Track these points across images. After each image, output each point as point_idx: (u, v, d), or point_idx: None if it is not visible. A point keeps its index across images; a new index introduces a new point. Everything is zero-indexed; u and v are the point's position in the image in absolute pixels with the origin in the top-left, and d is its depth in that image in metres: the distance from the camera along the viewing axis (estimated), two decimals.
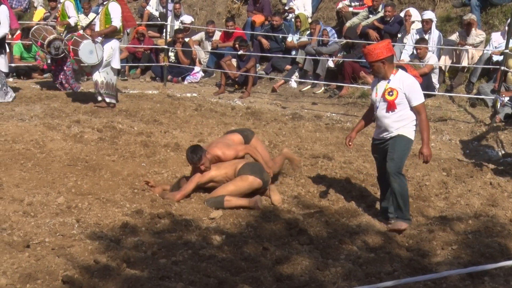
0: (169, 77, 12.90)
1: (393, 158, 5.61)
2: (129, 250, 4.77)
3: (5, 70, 10.20)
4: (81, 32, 10.06)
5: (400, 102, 5.58)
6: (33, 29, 10.88)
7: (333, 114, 10.59)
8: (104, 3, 9.76)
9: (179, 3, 14.68)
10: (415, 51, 10.62)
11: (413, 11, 11.54)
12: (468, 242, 5.43)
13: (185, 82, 13.06)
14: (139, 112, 9.89)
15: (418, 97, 5.58)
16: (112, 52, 9.77)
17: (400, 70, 5.66)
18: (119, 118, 9.26)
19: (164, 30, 13.18)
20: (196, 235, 5.28)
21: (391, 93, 5.58)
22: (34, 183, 6.28)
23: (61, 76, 11.15)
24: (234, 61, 12.49)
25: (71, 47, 9.66)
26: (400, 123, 5.63)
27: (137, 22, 14.77)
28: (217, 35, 13.62)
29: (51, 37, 10.52)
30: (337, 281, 4.53)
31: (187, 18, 14.08)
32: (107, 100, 9.87)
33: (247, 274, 4.55)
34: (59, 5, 11.41)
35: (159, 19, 14.62)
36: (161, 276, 4.38)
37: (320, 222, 5.73)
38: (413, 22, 11.32)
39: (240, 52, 12.15)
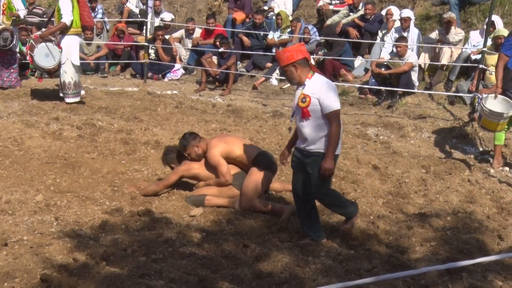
0: (149, 74, 12.83)
1: (316, 184, 5.16)
2: (109, 248, 4.74)
3: None
4: (38, 33, 9.83)
5: (314, 109, 5.01)
6: None
7: None
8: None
9: (160, 0, 14.59)
10: (394, 49, 10.69)
11: (394, 10, 11.61)
12: (446, 238, 5.48)
13: (166, 80, 13.00)
14: (119, 109, 9.83)
15: (329, 103, 4.96)
16: (69, 49, 9.50)
17: (316, 74, 5.13)
18: (98, 115, 9.19)
19: (144, 27, 13.11)
20: (176, 232, 5.27)
21: (304, 100, 5.04)
22: (12, 180, 6.22)
23: (5, 70, 10.84)
24: (214, 59, 12.45)
25: (29, 52, 9.53)
26: (318, 134, 5.05)
27: (117, 19, 14.74)
28: (198, 33, 13.58)
29: (0, 27, 10.28)
30: (317, 278, 4.55)
31: (167, 15, 14.01)
32: (69, 100, 9.67)
33: (227, 271, 4.55)
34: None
35: (139, 16, 14.55)
36: (141, 274, 4.36)
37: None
38: (394, 20, 11.39)
39: (221, 49, 12.13)
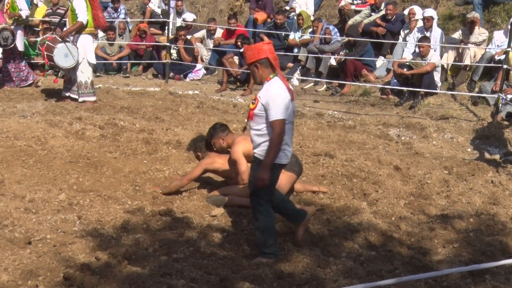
0: (171, 74, 12.89)
1: (253, 191, 4.91)
2: (131, 247, 4.78)
3: None
4: (52, 35, 9.88)
5: (258, 113, 4.76)
6: None
7: (335, 112, 10.58)
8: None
9: (181, 1, 14.66)
10: (417, 49, 10.61)
11: (416, 9, 11.52)
12: (469, 240, 5.42)
13: (187, 80, 13.05)
14: (141, 109, 9.89)
15: (274, 112, 4.62)
16: (85, 48, 9.59)
17: (275, 78, 4.79)
18: (121, 115, 9.26)
19: (166, 27, 13.17)
20: (198, 232, 5.29)
21: (253, 102, 4.83)
22: (35, 179, 6.29)
23: (11, 69, 10.91)
24: (236, 59, 12.48)
25: (45, 53, 9.59)
26: (260, 139, 4.80)
27: (139, 19, 14.84)
28: (219, 33, 13.61)
29: (0, 26, 10.31)
30: (338, 279, 4.54)
31: (189, 16, 14.07)
32: (87, 99, 9.77)
33: (248, 271, 4.55)
34: None
35: (161, 16, 14.63)
36: (163, 273, 4.39)
37: (321, 220, 5.72)
38: (416, 20, 11.30)
39: (242, 49, 12.12)
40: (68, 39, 9.46)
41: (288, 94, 4.73)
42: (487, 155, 8.03)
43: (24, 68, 11.14)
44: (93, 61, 9.83)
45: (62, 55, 9.42)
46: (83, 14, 9.39)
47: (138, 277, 4.27)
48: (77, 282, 4.14)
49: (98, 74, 13.07)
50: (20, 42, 10.94)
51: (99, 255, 4.57)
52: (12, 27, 10.56)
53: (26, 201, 5.68)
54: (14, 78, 11.01)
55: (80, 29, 9.48)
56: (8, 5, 10.77)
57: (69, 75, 9.81)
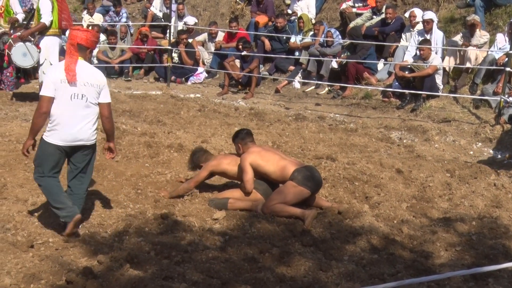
0: (173, 77, 12.91)
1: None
2: (132, 250, 4.78)
3: None
4: (18, 33, 9.88)
5: None
6: None
7: (337, 115, 10.58)
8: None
9: (183, 4, 14.69)
10: (418, 52, 10.61)
11: (417, 12, 11.52)
12: (471, 243, 5.42)
13: (189, 83, 13.06)
14: (142, 112, 9.89)
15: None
16: (48, 49, 9.45)
17: (66, 60, 5.02)
18: (122, 119, 9.27)
19: (168, 31, 13.20)
20: (199, 235, 5.29)
21: None
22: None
23: (7, 74, 10.67)
24: (237, 62, 12.49)
25: (6, 51, 9.59)
26: None
27: (141, 23, 14.86)
28: (221, 36, 13.62)
29: None
30: (340, 282, 4.54)
31: (190, 19, 14.09)
32: None
33: (250, 275, 4.55)
34: (0, 1, 11.15)
35: (162, 20, 14.64)
36: (165, 277, 4.39)
37: (323, 223, 5.72)
38: (417, 23, 11.31)
39: (244, 52, 12.15)
40: (30, 39, 9.41)
41: (59, 74, 4.92)
42: (489, 158, 8.03)
43: (9, 74, 11.06)
44: (56, 63, 9.65)
45: (20, 54, 9.40)
46: (47, 15, 9.30)
47: (140, 280, 4.27)
48: (79, 285, 4.15)
49: None
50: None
51: (101, 259, 4.57)
52: (10, 31, 10.56)
53: (29, 204, 5.69)
54: (8, 83, 10.97)
55: (43, 30, 9.36)
56: (3, 9, 10.75)
57: (41, 81, 9.73)
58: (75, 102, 4.96)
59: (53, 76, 4.95)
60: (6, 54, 9.62)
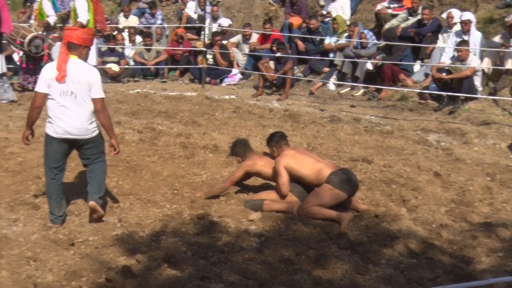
0: (207, 79, 12.97)
1: None
2: (170, 250, 4.80)
3: (3, 70, 10.12)
4: (56, 34, 10.01)
5: None
6: None
7: (372, 117, 10.49)
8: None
9: (217, 6, 14.75)
10: (455, 54, 10.45)
11: (454, 12, 11.34)
12: None
13: (223, 84, 13.11)
14: (178, 113, 9.97)
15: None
16: None
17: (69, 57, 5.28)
18: (158, 120, 9.36)
19: (202, 33, 13.26)
20: (235, 236, 5.29)
21: None
22: (77, 182, 6.39)
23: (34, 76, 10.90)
24: (272, 63, 12.49)
25: (46, 51, 9.70)
26: None
27: (176, 25, 14.96)
28: (255, 38, 13.63)
29: (32, 35, 10.47)
30: (378, 286, 4.48)
31: (224, 21, 14.14)
32: None
33: (286, 277, 4.53)
34: (34, 4, 11.29)
35: (197, 21, 14.72)
36: (201, 277, 4.40)
37: (359, 226, 5.66)
38: (455, 23, 11.14)
39: (278, 54, 12.14)
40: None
41: (51, 72, 5.19)
42: None
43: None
44: (93, 63, 9.78)
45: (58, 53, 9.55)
46: (84, 14, 9.50)
47: (178, 280, 4.29)
48: (118, 284, 4.19)
49: (136, 79, 13.24)
50: (55, 52, 11.10)
51: (139, 258, 4.60)
52: (43, 34, 10.76)
53: (69, 203, 5.78)
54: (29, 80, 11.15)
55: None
56: (36, 12, 10.98)
57: None
58: (65, 98, 5.20)
59: (45, 74, 5.25)
60: (46, 53, 9.78)
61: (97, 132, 5.41)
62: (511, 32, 10.25)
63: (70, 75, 5.17)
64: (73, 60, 5.25)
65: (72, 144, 5.34)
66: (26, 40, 10.42)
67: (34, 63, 10.97)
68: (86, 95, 5.23)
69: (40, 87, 5.24)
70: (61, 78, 5.15)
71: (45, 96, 5.22)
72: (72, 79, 5.18)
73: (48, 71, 5.24)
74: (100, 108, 5.31)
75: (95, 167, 5.49)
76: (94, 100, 5.28)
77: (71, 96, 5.19)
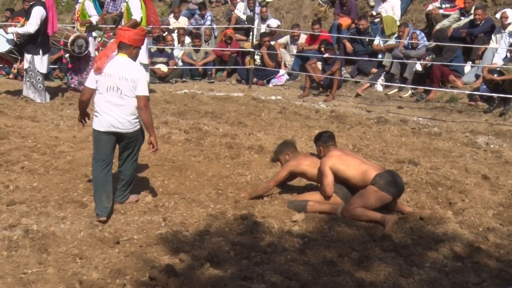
0: (255, 79, 13.04)
1: None
2: (213, 250, 4.87)
3: (44, 71, 10.40)
4: (110, 33, 10.19)
5: None
6: None
7: (420, 119, 10.34)
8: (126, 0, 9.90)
9: (266, 7, 14.80)
10: (508, 54, 10.19)
11: (509, 12, 11.06)
12: None
13: (270, 85, 13.15)
14: (224, 114, 10.06)
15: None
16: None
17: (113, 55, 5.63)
18: (205, 120, 9.47)
19: (251, 33, 13.34)
20: (278, 237, 5.31)
21: None
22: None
23: (84, 75, 11.13)
24: (319, 64, 12.45)
25: (101, 49, 9.87)
26: None
27: (225, 26, 15.10)
28: (303, 38, 13.62)
29: (74, 35, 10.70)
30: None
31: (273, 22, 14.18)
32: None
33: (329, 278, 4.53)
34: (77, 5, 11.52)
35: (246, 22, 14.81)
36: (244, 277, 4.44)
37: (404, 229, 5.61)
38: (509, 24, 10.86)
39: (326, 55, 12.10)
40: None
41: (100, 67, 5.49)
42: None
43: (85, 76, 11.49)
44: (146, 61, 10.02)
45: None
46: (138, 12, 9.73)
47: (220, 280, 4.34)
48: (161, 282, 4.27)
49: (184, 79, 13.42)
50: (92, 49, 11.39)
51: (183, 257, 4.68)
52: (85, 34, 11.02)
53: (115, 202, 5.92)
54: (75, 81, 11.42)
55: (134, 26, 9.50)
56: (79, 13, 11.25)
57: None
58: (111, 93, 5.50)
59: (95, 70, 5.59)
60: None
61: (138, 128, 5.72)
62: None
63: (118, 72, 5.48)
64: (122, 58, 5.57)
65: (116, 137, 5.63)
66: (69, 40, 10.68)
67: (78, 63, 11.27)
68: (130, 92, 5.51)
69: (88, 83, 5.60)
70: (96, 69, 5.49)
71: (92, 91, 5.59)
72: (119, 76, 5.47)
73: (99, 66, 5.55)
74: (143, 106, 5.56)
75: (126, 169, 5.83)
76: (138, 98, 5.54)
77: (117, 92, 5.49)
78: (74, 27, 11.51)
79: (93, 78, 5.55)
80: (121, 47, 5.57)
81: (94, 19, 11.21)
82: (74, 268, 4.54)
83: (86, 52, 11.00)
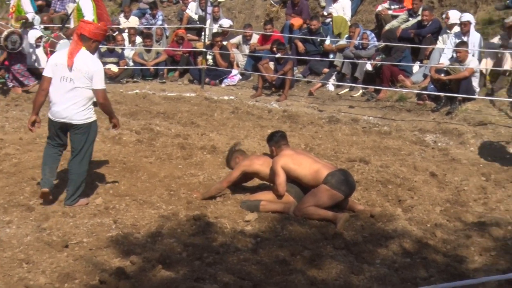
0: (207, 80, 12.98)
1: None
2: (165, 251, 4.83)
3: None
4: (57, 32, 10.05)
5: None
6: None
7: (371, 118, 10.51)
8: (76, 0, 9.81)
9: (218, 7, 14.78)
10: (454, 55, 10.46)
11: (453, 13, 11.35)
12: (507, 248, 5.30)
13: (223, 85, 13.13)
14: (176, 114, 9.99)
15: None
16: None
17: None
18: (157, 120, 9.39)
19: (203, 33, 13.28)
20: (231, 237, 5.31)
21: None
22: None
23: (17, 71, 11.00)
24: (271, 64, 12.50)
25: (48, 49, 9.73)
26: None
27: (177, 26, 15.00)
28: (255, 38, 13.65)
29: (8, 31, 10.42)
30: (372, 286, 4.51)
31: (225, 22, 14.15)
32: None
33: (281, 277, 4.55)
34: (12, 1, 11.28)
35: (198, 22, 14.75)
36: (196, 278, 4.42)
37: (355, 226, 5.69)
38: (453, 24, 11.15)
39: (278, 55, 12.15)
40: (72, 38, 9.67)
41: (57, 59, 5.68)
42: None
43: (20, 71, 11.29)
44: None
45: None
46: (90, 14, 9.56)
47: (172, 281, 4.31)
48: (112, 285, 4.21)
49: (135, 79, 13.27)
50: (27, 45, 11.15)
51: (134, 259, 4.63)
52: (20, 30, 10.77)
53: (64, 205, 5.80)
54: (21, 78, 11.19)
55: None
56: (14, 8, 10.99)
57: None
58: (64, 84, 5.62)
59: (51, 60, 5.76)
60: (49, 51, 9.82)
61: (89, 121, 5.76)
62: (510, 33, 10.25)
63: (74, 64, 5.59)
64: (82, 51, 5.67)
65: (67, 127, 5.74)
66: (3, 35, 10.35)
67: (10, 59, 11.00)
68: (83, 83, 5.61)
69: (45, 71, 5.72)
70: (70, 64, 5.57)
71: (50, 80, 5.69)
72: (74, 67, 5.58)
73: (55, 57, 5.73)
74: (101, 99, 5.72)
75: (73, 166, 5.82)
76: (95, 91, 5.65)
77: (70, 83, 5.60)
78: (8, 23, 11.20)
79: (49, 67, 5.68)
80: (81, 39, 5.66)
81: (31, 16, 10.97)
82: (20, 273, 4.43)
83: (20, 49, 10.71)
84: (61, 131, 5.80)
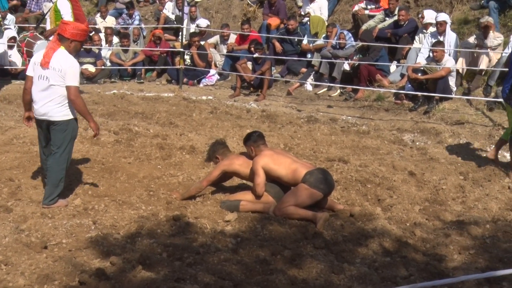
0: (185, 80, 12.93)
1: None
2: (145, 252, 4.79)
3: None
4: (33, 32, 9.97)
5: None
6: None
7: (349, 117, 10.56)
8: (53, 0, 9.75)
9: (195, 7, 14.73)
10: (431, 54, 10.56)
11: (428, 13, 11.46)
12: (485, 247, 5.37)
13: (201, 85, 13.08)
14: (155, 114, 9.94)
15: None
16: None
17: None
18: (135, 121, 9.32)
19: (180, 33, 13.23)
20: (211, 237, 5.29)
21: None
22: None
23: None
24: (249, 64, 12.49)
25: (24, 48, 9.64)
26: None
27: (154, 26, 14.92)
28: (233, 38, 13.63)
29: None
30: (352, 285, 4.52)
31: (203, 22, 14.12)
32: None
33: (262, 277, 4.55)
34: None
35: (175, 22, 14.69)
36: (177, 278, 4.40)
37: (335, 226, 5.71)
38: (429, 24, 11.26)
39: (256, 55, 12.15)
40: (50, 39, 9.59)
41: (36, 58, 5.82)
42: (503, 161, 7.96)
43: None
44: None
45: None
46: (68, 15, 9.51)
47: (152, 282, 4.28)
48: (92, 286, 4.17)
49: (112, 80, 13.17)
50: None
51: (114, 260, 4.58)
52: None
53: (42, 204, 5.74)
54: None
55: None
56: None
57: None
58: (41, 82, 5.73)
59: (32, 59, 5.93)
60: (24, 51, 9.70)
61: (67, 118, 5.78)
62: (485, 33, 10.38)
63: (50, 63, 5.68)
64: (60, 51, 5.73)
65: (46, 125, 5.82)
66: None
67: None
68: (58, 81, 5.68)
69: (28, 71, 5.89)
70: (44, 64, 5.66)
71: (32, 79, 5.82)
72: (50, 66, 5.67)
73: (35, 57, 5.86)
74: (73, 96, 5.72)
75: (51, 163, 5.82)
76: (67, 88, 5.71)
77: (45, 81, 5.69)
78: None
79: (30, 66, 5.84)
80: (59, 39, 5.74)
81: None
82: None
83: None
84: (46, 130, 5.88)
